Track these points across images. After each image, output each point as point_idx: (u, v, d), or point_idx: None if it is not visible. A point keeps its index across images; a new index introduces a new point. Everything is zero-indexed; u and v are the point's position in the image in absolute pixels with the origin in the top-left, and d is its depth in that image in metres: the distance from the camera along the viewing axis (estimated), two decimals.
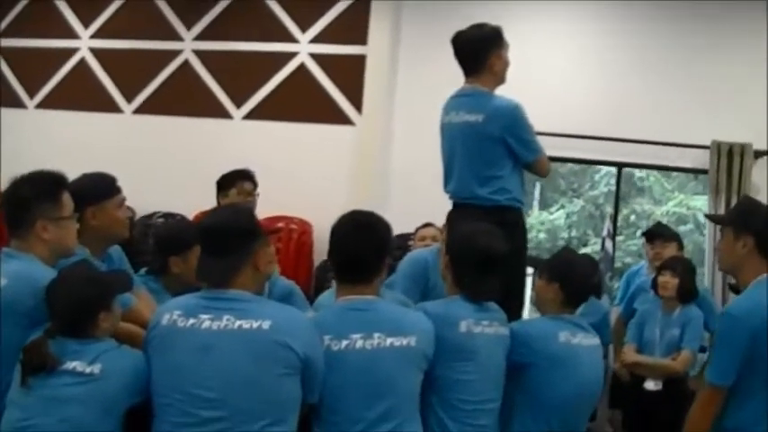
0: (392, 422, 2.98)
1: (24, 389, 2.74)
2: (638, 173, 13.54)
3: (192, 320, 2.79)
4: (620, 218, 13.95)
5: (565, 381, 3.51)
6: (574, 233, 14.53)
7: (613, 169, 12.14)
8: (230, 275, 2.88)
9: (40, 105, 8.80)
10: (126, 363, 2.82)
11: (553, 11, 7.40)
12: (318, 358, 2.91)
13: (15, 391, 2.77)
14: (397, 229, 6.57)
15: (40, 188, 3.14)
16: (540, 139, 6.98)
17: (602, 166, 12.01)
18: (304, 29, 7.90)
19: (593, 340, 3.73)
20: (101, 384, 2.73)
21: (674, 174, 12.62)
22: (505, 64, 4.38)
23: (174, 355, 2.78)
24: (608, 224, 7.45)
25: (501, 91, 7.01)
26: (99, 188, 3.60)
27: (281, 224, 7.46)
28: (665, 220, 12.98)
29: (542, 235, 14.46)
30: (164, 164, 7.89)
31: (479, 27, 4.39)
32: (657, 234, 5.98)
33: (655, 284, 5.41)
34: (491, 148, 4.10)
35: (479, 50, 4.29)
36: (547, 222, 14.76)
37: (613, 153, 7.26)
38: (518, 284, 4.24)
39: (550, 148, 7.12)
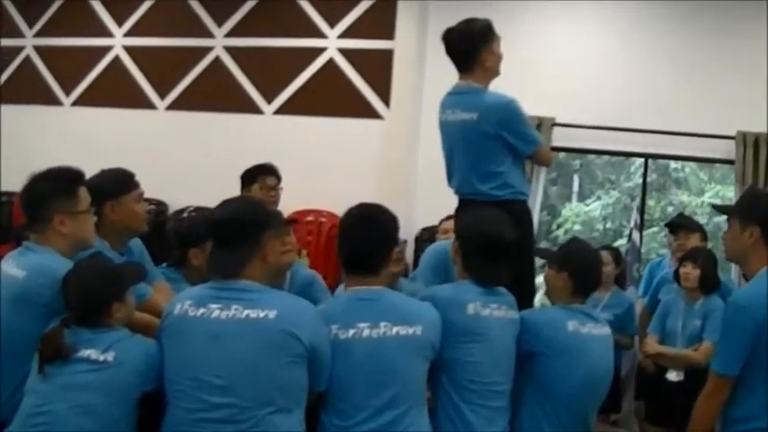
0: (397, 409, 3.05)
1: (41, 376, 2.86)
2: (673, 164, 13.47)
3: (202, 310, 2.89)
4: (657, 209, 13.95)
5: (573, 369, 3.55)
6: (609, 225, 14.50)
7: (649, 161, 12.24)
8: (239, 267, 2.96)
9: (76, 103, 8.96)
10: (138, 351, 2.93)
11: (582, 9, 7.44)
12: (324, 347, 2.99)
13: (33, 379, 2.88)
14: (425, 221, 6.72)
15: (57, 183, 3.24)
16: (570, 131, 7.14)
17: (637, 158, 12.00)
18: (332, 24, 7.99)
19: (602, 330, 3.77)
20: (113, 372, 2.84)
21: (710, 165, 12.55)
22: (498, 58, 4.32)
23: (185, 344, 2.88)
24: (635, 215, 7.45)
25: (537, 84, 7.13)
26: (117, 183, 3.69)
27: (310, 217, 7.58)
28: (700, 212, 12.93)
29: (577, 227, 14.42)
30: (196, 159, 8.02)
31: (469, 23, 4.35)
32: (681, 225, 5.98)
33: (677, 275, 5.43)
34: (489, 145, 4.08)
35: (470, 47, 4.24)
36: (582, 214, 14.72)
37: (641, 144, 7.27)
38: (527, 275, 4.24)
39: (580, 139, 7.29)
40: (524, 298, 3.92)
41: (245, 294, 2.92)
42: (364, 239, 3.25)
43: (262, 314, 2.86)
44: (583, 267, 3.81)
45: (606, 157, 13.27)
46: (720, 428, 3.37)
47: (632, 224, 7.37)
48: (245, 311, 2.86)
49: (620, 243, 10.34)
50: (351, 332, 3.09)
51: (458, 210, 4.30)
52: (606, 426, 5.88)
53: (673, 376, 5.22)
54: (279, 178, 5.50)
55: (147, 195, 7.58)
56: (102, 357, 2.85)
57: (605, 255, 6.04)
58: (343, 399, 3.07)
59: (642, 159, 9.99)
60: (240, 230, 3.00)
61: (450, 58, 4.31)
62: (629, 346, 5.97)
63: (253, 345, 2.82)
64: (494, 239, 3.59)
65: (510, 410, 3.54)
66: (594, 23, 7.42)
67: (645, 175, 8.03)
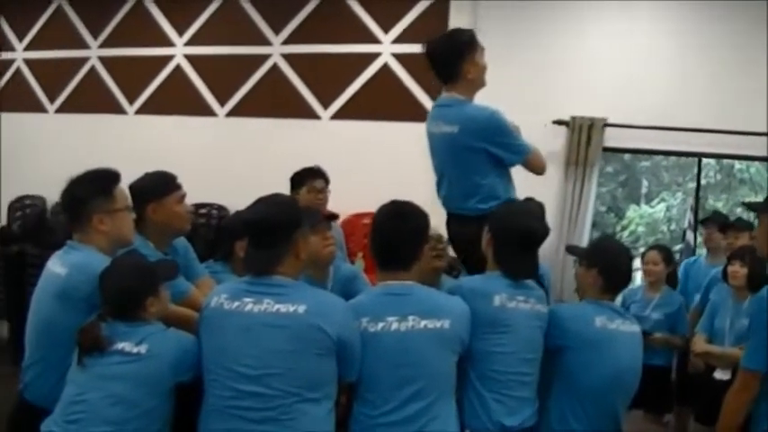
0: (423, 401, 3.15)
1: (80, 367, 3.03)
2: (737, 164, 13.30)
3: (236, 303, 3.04)
4: (725, 210, 13.76)
5: (599, 365, 3.59)
6: (673, 227, 14.35)
7: (712, 161, 12.10)
8: (273, 264, 3.09)
9: (140, 111, 9.20)
10: (171, 344, 3.07)
11: (634, 9, 7.40)
12: (354, 340, 3.11)
13: (73, 370, 3.05)
14: None
15: (94, 184, 3.40)
16: (622, 131, 7.13)
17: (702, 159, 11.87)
18: (386, 30, 8.07)
19: (631, 327, 3.79)
20: (146, 363, 2.99)
21: None
22: (481, 69, 4.24)
23: (220, 335, 3.03)
24: (689, 216, 7.43)
25: (589, 85, 7.13)
26: (159, 185, 3.84)
27: (366, 220, 7.65)
28: None
29: (641, 229, 14.29)
30: (255, 164, 8.15)
31: (450, 35, 4.33)
32: (731, 224, 5.97)
33: (725, 274, 5.42)
34: (471, 158, 4.03)
35: (451, 60, 4.16)
36: (646, 216, 14.58)
37: (694, 144, 7.18)
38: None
39: (633, 140, 7.28)
40: None
41: (277, 289, 3.05)
42: (395, 236, 3.35)
43: (292, 308, 2.99)
44: (612, 264, 3.84)
45: (674, 159, 13.13)
46: (752, 425, 3.39)
47: (686, 224, 7.35)
48: (277, 306, 3.00)
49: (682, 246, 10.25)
50: (380, 325, 3.20)
51: (447, 222, 4.31)
52: (659, 426, 5.89)
53: (720, 375, 5.17)
54: (327, 181, 5.62)
55: (207, 200, 7.89)
56: (135, 350, 3.01)
57: (655, 254, 6.07)
58: (372, 389, 3.18)
59: (708, 160, 9.98)
60: (272, 230, 3.12)
61: (432, 70, 4.27)
62: (680, 346, 5.93)
63: (282, 337, 2.95)
64: (526, 233, 3.66)
65: (536, 401, 3.59)
66: (646, 22, 7.37)
67: (698, 175, 7.97)
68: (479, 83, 4.27)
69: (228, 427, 2.94)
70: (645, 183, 15.31)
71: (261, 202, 3.26)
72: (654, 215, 14.46)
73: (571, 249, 4.67)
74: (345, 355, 3.09)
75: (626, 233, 14.37)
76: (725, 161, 11.26)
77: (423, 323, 3.21)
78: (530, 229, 3.68)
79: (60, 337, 3.12)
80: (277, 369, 2.93)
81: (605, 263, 3.82)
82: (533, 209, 4.00)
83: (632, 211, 14.68)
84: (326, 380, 3.04)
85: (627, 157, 13.43)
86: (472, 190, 4.00)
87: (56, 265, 3.31)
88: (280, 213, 3.17)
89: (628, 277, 3.98)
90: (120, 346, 3.02)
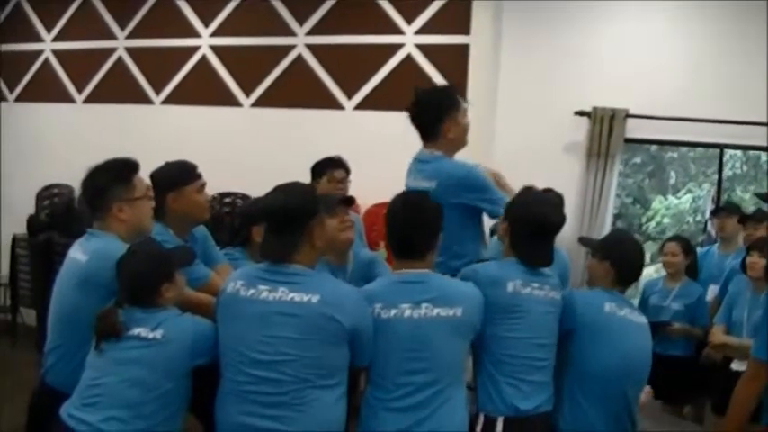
0: (434, 387, 3.23)
1: (97, 352, 3.12)
2: (764, 156, 13.21)
3: (252, 290, 3.13)
4: (751, 202, 13.67)
5: (607, 349, 3.65)
6: (699, 217, 14.28)
7: (738, 152, 12.02)
8: (288, 252, 3.16)
9: (166, 101, 9.31)
10: (185, 328, 3.16)
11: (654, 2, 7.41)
12: (366, 328, 3.18)
13: (91, 355, 3.15)
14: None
15: (114, 173, 3.49)
16: (643, 122, 7.14)
17: (727, 150, 11.80)
18: (409, 21, 8.09)
19: (640, 318, 3.87)
20: (162, 348, 3.08)
21: None
22: (463, 129, 4.28)
23: (236, 321, 3.13)
24: (710, 206, 7.42)
25: (610, 76, 7.15)
26: (178, 175, 3.93)
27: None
28: None
29: (666, 220, 14.24)
30: (280, 153, 8.20)
31: (434, 92, 4.40)
32: (750, 215, 5.98)
33: (743, 265, 5.44)
34: (446, 214, 3.84)
35: (432, 119, 4.23)
36: (672, 207, 14.53)
37: (716, 135, 7.17)
38: None
39: (655, 131, 7.29)
40: None
41: (292, 278, 3.12)
42: (410, 226, 3.40)
43: (305, 298, 3.06)
44: (625, 256, 3.91)
45: (701, 150, 13.04)
46: (763, 413, 3.43)
47: (707, 215, 7.34)
48: (291, 294, 3.08)
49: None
50: (393, 312, 3.27)
51: None
52: (678, 418, 5.91)
53: (737, 366, 5.16)
54: (347, 171, 5.68)
55: (232, 189, 7.98)
56: (151, 335, 3.10)
57: (674, 246, 6.10)
58: (384, 375, 3.26)
59: (734, 151, 9.92)
60: (289, 218, 3.19)
61: (413, 124, 4.34)
62: (699, 337, 5.93)
63: (295, 326, 3.03)
64: (543, 221, 3.71)
65: (551, 386, 3.65)
66: (668, 12, 7.34)
67: (720, 166, 7.93)
68: (460, 142, 4.32)
69: (242, 410, 3.03)
70: (672, 174, 15.24)
71: (278, 190, 3.32)
72: (680, 206, 14.39)
73: (584, 241, 4.72)
74: (358, 344, 3.17)
75: (652, 224, 14.32)
76: (751, 152, 11.16)
77: (436, 311, 3.28)
78: (546, 217, 3.73)
79: (81, 323, 3.21)
80: (289, 356, 3.02)
81: (618, 256, 3.89)
82: (551, 198, 4.04)
83: (658, 203, 14.61)
84: (338, 367, 3.12)
85: (653, 148, 13.37)
86: (443, 247, 3.82)
87: (77, 253, 3.41)
88: (296, 202, 3.23)
89: (639, 271, 4.04)
90: (136, 331, 3.11)
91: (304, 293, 3.08)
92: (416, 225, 3.42)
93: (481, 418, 3.51)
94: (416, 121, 4.32)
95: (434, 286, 3.36)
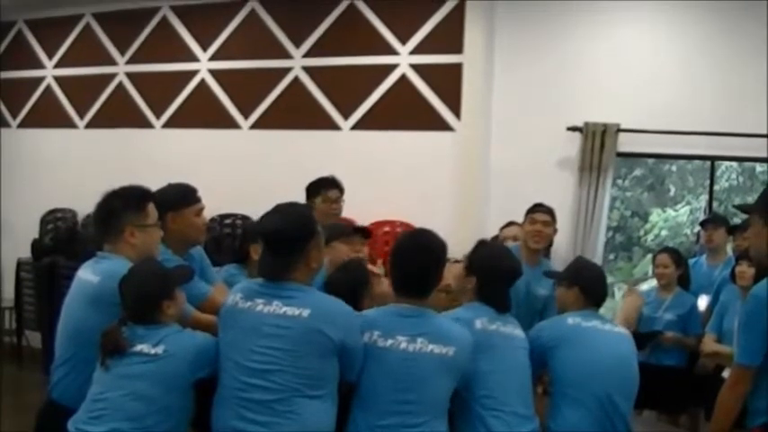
0: (419, 418, 3.33)
1: (103, 368, 3.24)
2: (759, 167, 13.30)
3: (249, 303, 3.27)
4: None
5: (573, 352, 3.91)
6: (696, 229, 14.33)
7: (734, 164, 12.13)
8: (285, 271, 3.28)
9: (167, 125, 9.42)
10: (186, 343, 3.28)
11: (646, 13, 7.50)
12: (355, 343, 3.30)
13: (97, 371, 3.26)
14: (497, 229, 6.88)
15: (129, 199, 3.61)
16: (635, 136, 7.25)
17: (723, 162, 11.89)
18: (403, 41, 8.20)
19: (613, 328, 4.10)
20: (164, 362, 3.20)
21: None
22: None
23: (233, 331, 3.27)
24: (702, 217, 7.52)
25: (601, 91, 7.31)
26: (179, 197, 4.06)
27: (386, 228, 7.84)
28: None
29: (665, 232, 14.33)
30: (279, 174, 8.24)
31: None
32: (737, 226, 6.08)
33: (733, 275, 5.54)
34: None
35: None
36: (670, 219, 14.62)
37: (707, 147, 7.27)
38: None
39: (647, 145, 7.40)
40: None
41: (287, 293, 3.25)
42: (417, 266, 3.51)
43: (297, 312, 3.19)
44: (592, 280, 4.19)
45: (698, 163, 13.14)
46: (748, 419, 3.51)
47: (699, 226, 7.44)
48: (284, 308, 3.21)
49: None
50: (389, 342, 3.38)
51: None
52: (674, 427, 5.99)
53: (728, 375, 5.25)
54: (341, 191, 5.74)
55: (232, 210, 8.09)
56: (153, 351, 3.21)
57: (665, 257, 6.21)
58: (374, 400, 3.36)
59: (729, 163, 10.01)
60: (286, 240, 3.29)
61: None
62: (692, 347, 6.02)
63: (287, 337, 3.16)
64: (513, 271, 3.97)
65: (535, 419, 3.76)
66: (658, 27, 7.49)
67: (712, 178, 8.07)
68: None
69: (234, 414, 3.15)
70: (671, 187, 15.34)
71: (277, 212, 3.41)
72: (677, 218, 14.49)
73: (549, 274, 4.90)
74: (346, 358, 3.28)
75: (650, 236, 14.42)
76: (747, 164, 11.28)
77: (430, 347, 3.38)
78: (515, 269, 3.99)
79: (89, 340, 3.31)
80: (280, 366, 3.13)
81: (586, 280, 4.17)
82: (506, 248, 4.32)
83: (656, 215, 14.71)
84: (327, 378, 3.23)
85: (651, 161, 13.49)
86: None
87: (87, 274, 3.53)
88: (295, 226, 3.32)
89: (606, 291, 4.28)
90: (139, 347, 3.22)
91: (296, 308, 3.20)
92: (423, 266, 3.52)
93: None
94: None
95: (431, 323, 3.47)
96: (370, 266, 3.81)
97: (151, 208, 3.67)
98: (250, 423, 3.12)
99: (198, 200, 4.13)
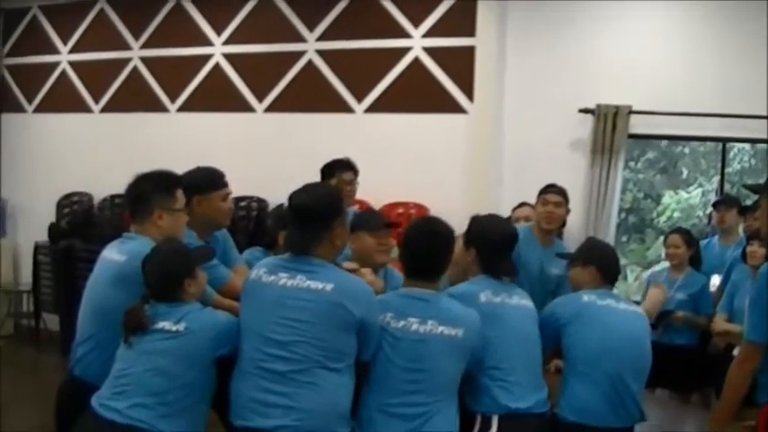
0: (429, 399, 3.42)
1: (126, 345, 3.32)
2: None
3: (272, 277, 3.35)
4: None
5: (587, 329, 3.96)
6: (709, 211, 14.29)
7: (747, 146, 12.11)
8: (310, 246, 3.38)
9: (181, 109, 9.49)
10: (207, 321, 3.36)
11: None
12: (374, 322, 3.38)
13: (121, 348, 3.35)
14: (512, 207, 6.92)
15: (159, 183, 3.70)
16: (647, 118, 7.27)
17: (735, 144, 11.86)
18: (416, 25, 8.24)
19: (628, 307, 4.14)
20: (185, 340, 3.28)
21: None
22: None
23: (256, 304, 3.35)
24: (714, 199, 7.53)
25: (613, 72, 7.34)
26: (207, 181, 4.14)
27: (400, 210, 7.89)
28: None
29: (677, 214, 14.32)
30: (293, 157, 8.30)
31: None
32: (748, 206, 6.09)
33: (744, 255, 5.57)
34: None
35: None
36: (683, 201, 14.60)
37: (719, 129, 7.29)
38: None
39: (658, 126, 7.42)
40: None
41: (310, 267, 3.34)
42: (427, 252, 3.61)
43: (320, 286, 3.28)
44: (606, 258, 4.25)
45: (711, 145, 13.13)
46: (758, 394, 3.55)
47: (711, 208, 7.45)
48: (308, 282, 3.30)
49: None
50: (401, 323, 3.46)
51: None
52: (685, 405, 6.03)
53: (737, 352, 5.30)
54: (356, 173, 5.83)
55: (247, 192, 8.16)
56: (174, 328, 3.29)
57: (676, 238, 6.24)
58: (385, 380, 3.44)
59: (742, 145, 10.02)
60: (313, 216, 3.39)
61: None
62: (703, 326, 6.05)
63: (309, 310, 3.25)
64: (510, 236, 4.07)
65: (544, 389, 3.84)
66: (671, 8, 7.48)
67: (723, 159, 8.09)
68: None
69: (254, 385, 3.23)
70: (683, 169, 15.31)
71: (306, 189, 3.53)
72: (690, 200, 14.46)
73: (562, 255, 4.91)
74: (364, 335, 3.36)
75: (662, 218, 14.41)
76: (759, 146, 11.26)
77: (440, 329, 3.46)
78: (511, 233, 4.11)
79: (112, 318, 3.38)
80: (301, 337, 3.22)
81: (601, 259, 4.23)
82: (499, 216, 4.39)
83: (668, 197, 14.70)
84: (346, 353, 3.31)
85: (664, 143, 13.48)
86: None
87: (112, 253, 3.62)
88: (322, 202, 3.45)
89: (619, 269, 4.33)
90: (161, 324, 3.30)
91: (320, 282, 3.29)
92: (433, 252, 3.61)
93: (478, 418, 3.69)
94: None
95: (441, 306, 3.55)
96: (345, 264, 3.86)
97: (180, 193, 3.74)
98: (270, 393, 3.20)
99: (225, 184, 4.21)
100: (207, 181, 4.14)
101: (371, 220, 4.26)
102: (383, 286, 4.09)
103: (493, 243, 3.98)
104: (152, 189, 3.67)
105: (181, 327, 3.29)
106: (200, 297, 3.55)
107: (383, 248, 4.25)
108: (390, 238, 4.32)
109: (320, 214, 3.40)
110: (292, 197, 3.51)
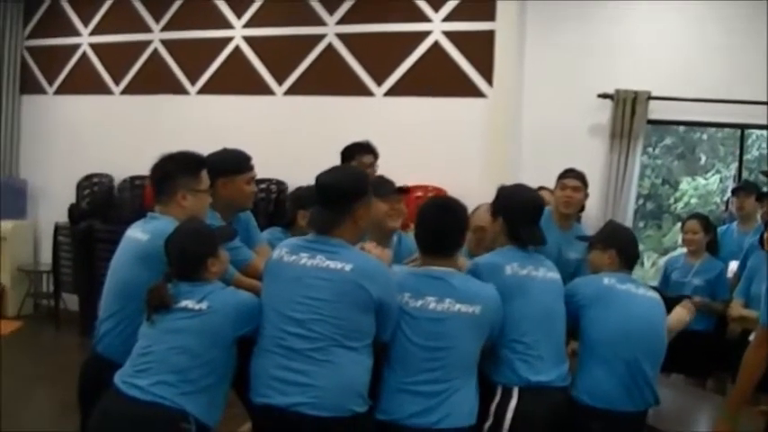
0: (448, 377, 3.47)
1: (149, 324, 3.37)
2: None
3: (293, 257, 3.42)
4: None
5: (607, 313, 3.95)
6: (726, 197, 14.25)
7: (765, 133, 12.06)
8: (332, 225, 3.44)
9: (201, 91, 9.52)
10: (229, 300, 3.40)
11: None
12: (392, 302, 3.43)
13: (143, 326, 3.40)
14: None
15: (184, 164, 3.74)
16: (666, 104, 7.27)
17: (753, 130, 11.82)
18: (436, 8, 8.26)
19: (647, 292, 4.14)
20: (207, 318, 3.32)
21: None
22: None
23: (277, 283, 3.42)
24: (732, 185, 7.53)
25: (632, 58, 7.37)
26: (233, 163, 4.18)
27: (419, 193, 7.90)
28: None
29: (694, 200, 14.30)
30: (312, 140, 8.42)
31: None
32: (766, 193, 6.10)
33: (762, 241, 5.57)
34: None
35: None
36: (700, 188, 14.57)
37: (737, 115, 7.28)
38: None
39: (677, 112, 7.42)
40: None
41: (331, 248, 3.40)
42: (443, 228, 3.63)
43: (340, 266, 3.34)
44: (627, 242, 4.25)
45: (729, 131, 13.10)
46: None
47: (728, 195, 7.46)
48: (327, 262, 3.36)
49: None
50: (419, 302, 3.50)
51: None
52: (701, 390, 6.04)
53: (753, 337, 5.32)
54: (375, 156, 5.88)
55: (267, 175, 8.22)
56: (197, 306, 3.33)
57: (694, 224, 6.26)
58: (404, 359, 3.49)
59: (760, 132, 10.00)
60: (337, 196, 3.45)
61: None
62: (720, 311, 6.07)
63: (328, 289, 3.31)
64: (536, 203, 4.08)
65: (566, 363, 3.88)
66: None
67: (741, 146, 8.10)
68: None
69: (274, 363, 3.29)
70: (701, 155, 15.27)
71: (333, 169, 3.61)
72: (707, 187, 14.43)
73: (582, 238, 4.93)
74: (383, 316, 3.41)
75: (680, 204, 14.39)
76: None
77: (457, 306, 3.50)
78: (537, 199, 4.12)
79: (136, 296, 3.44)
80: (320, 315, 3.28)
81: (621, 243, 4.23)
82: (525, 185, 4.37)
83: (686, 183, 14.67)
84: (364, 333, 3.36)
85: (681, 129, 13.45)
86: None
87: (136, 232, 3.67)
88: (347, 181, 3.52)
89: (638, 253, 4.34)
90: (183, 303, 3.34)
91: (339, 262, 3.35)
92: (448, 228, 3.65)
93: (499, 389, 3.73)
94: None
95: (458, 283, 3.58)
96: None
97: (204, 174, 3.78)
98: (288, 371, 3.26)
99: (250, 168, 4.24)
100: (233, 164, 4.18)
101: (382, 186, 4.26)
102: (391, 256, 4.05)
103: (519, 211, 3.99)
104: (176, 169, 3.71)
105: (203, 306, 3.34)
106: (222, 277, 3.59)
107: (395, 214, 4.25)
108: (402, 203, 4.35)
109: (344, 193, 3.46)
110: (319, 177, 3.55)
